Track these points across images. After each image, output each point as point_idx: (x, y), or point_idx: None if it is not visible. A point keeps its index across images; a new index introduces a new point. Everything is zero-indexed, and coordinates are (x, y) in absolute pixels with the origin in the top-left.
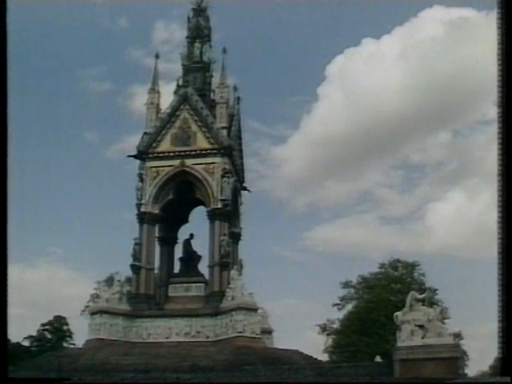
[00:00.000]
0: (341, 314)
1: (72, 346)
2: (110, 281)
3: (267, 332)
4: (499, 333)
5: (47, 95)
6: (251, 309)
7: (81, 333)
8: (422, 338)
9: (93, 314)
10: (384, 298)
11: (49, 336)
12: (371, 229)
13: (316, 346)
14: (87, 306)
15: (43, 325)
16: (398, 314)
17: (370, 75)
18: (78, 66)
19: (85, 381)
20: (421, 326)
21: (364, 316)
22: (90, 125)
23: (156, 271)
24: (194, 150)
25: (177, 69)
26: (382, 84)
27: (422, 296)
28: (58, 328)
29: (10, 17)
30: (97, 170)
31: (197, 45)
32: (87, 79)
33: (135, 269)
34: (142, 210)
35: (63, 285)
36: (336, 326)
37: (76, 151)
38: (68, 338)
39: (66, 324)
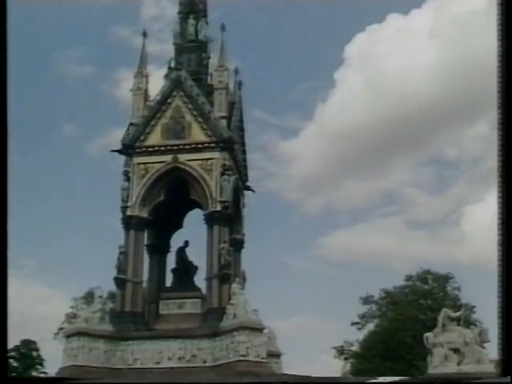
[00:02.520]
0: (361, 335)
1: (43, 376)
2: (89, 297)
3: (275, 355)
4: (499, 333)
5: (18, 80)
6: (256, 328)
7: (54, 359)
8: (458, 364)
9: (69, 336)
10: (411, 315)
11: (14, 364)
12: (396, 235)
13: (332, 372)
14: (61, 328)
15: (8, 351)
16: (429, 335)
17: (396, 57)
18: (54, 46)
19: (86, 381)
20: (456, 350)
21: (388, 337)
22: (70, 116)
23: (144, 285)
24: (189, 144)
25: (168, 49)
26: (409, 67)
27: (457, 314)
28: (25, 354)
29: None
30: (77, 168)
31: (191, 21)
32: (65, 62)
33: (120, 282)
34: (128, 213)
35: (34, 303)
36: (355, 348)
37: (52, 147)
38: (38, 366)
39: (36, 349)
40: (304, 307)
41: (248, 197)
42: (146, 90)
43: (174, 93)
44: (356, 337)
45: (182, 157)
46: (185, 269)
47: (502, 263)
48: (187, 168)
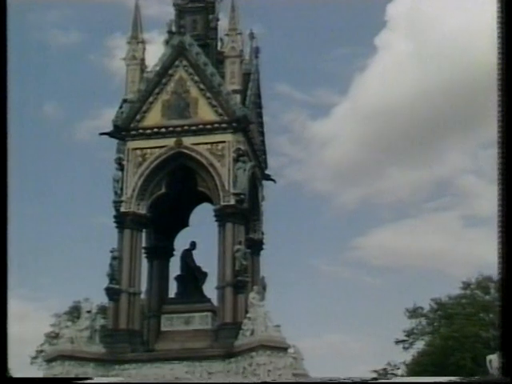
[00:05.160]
0: (408, 356)
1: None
2: (74, 312)
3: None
4: (499, 334)
5: None
6: (278, 347)
7: None
8: None
9: (50, 360)
10: (470, 332)
11: None
12: (451, 233)
13: None
14: (41, 351)
15: None
16: (492, 357)
17: (451, 17)
18: (32, 8)
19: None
20: None
21: (441, 359)
22: (52, 93)
23: (142, 296)
24: (195, 124)
25: (168, 11)
26: (468, 29)
27: None
28: None
29: None
30: (60, 156)
31: None
32: (46, 27)
33: (113, 294)
34: (123, 209)
35: (8, 321)
36: (401, 371)
37: (31, 130)
38: None
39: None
40: (337, 322)
41: (268, 188)
42: (143, 60)
43: (177, 62)
44: (402, 358)
45: (187, 140)
46: (192, 276)
47: (502, 264)
48: (193, 153)
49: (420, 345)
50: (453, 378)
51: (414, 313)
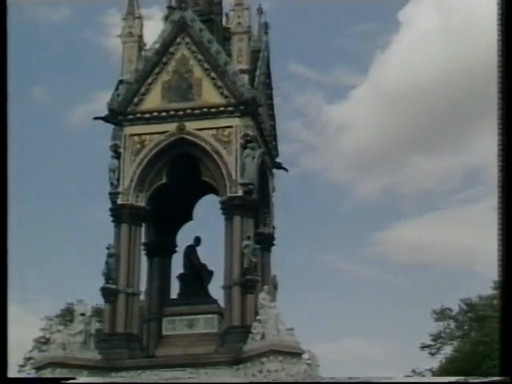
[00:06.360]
0: (435, 362)
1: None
2: (67, 315)
3: None
4: (499, 333)
5: None
6: (292, 353)
7: None
8: None
9: (39, 368)
10: None
11: None
12: (482, 227)
13: None
14: (29, 358)
15: None
16: None
17: None
18: None
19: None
20: None
21: (471, 366)
22: (41, 75)
23: (142, 297)
24: (199, 108)
25: None
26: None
27: None
28: None
29: None
30: (51, 143)
31: None
32: (34, 2)
33: (109, 294)
34: (120, 201)
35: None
36: None
37: (18, 116)
38: None
39: None
40: (355, 325)
41: (279, 178)
42: (141, 37)
43: (178, 39)
44: (428, 365)
45: (190, 125)
46: (196, 274)
47: (502, 262)
48: (197, 140)
49: (448, 350)
50: (453, 378)
51: (441, 315)
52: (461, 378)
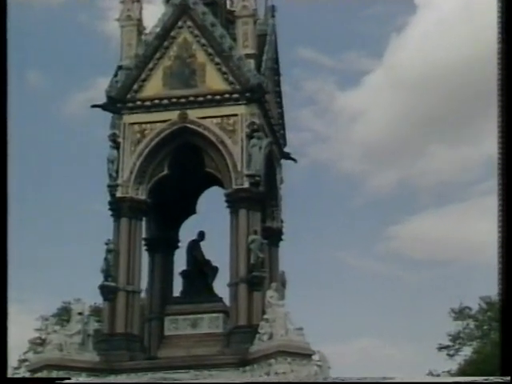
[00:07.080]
0: (453, 364)
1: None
2: (63, 315)
3: None
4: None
5: None
6: (301, 354)
7: None
8: None
9: (35, 370)
10: None
11: None
12: None
13: None
14: (24, 360)
15: None
16: None
17: None
18: None
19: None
20: None
21: (492, 368)
22: (36, 61)
23: (143, 295)
24: (202, 95)
25: None
26: None
27: None
28: None
29: None
30: (46, 133)
31: None
32: None
33: (108, 293)
34: (119, 194)
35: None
36: None
37: (12, 103)
38: None
39: None
40: (368, 324)
41: (288, 169)
42: (140, 20)
43: (180, 23)
44: (446, 367)
45: (193, 113)
46: (199, 271)
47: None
48: (200, 129)
49: (467, 351)
50: (452, 378)
51: (460, 314)
52: (461, 378)
